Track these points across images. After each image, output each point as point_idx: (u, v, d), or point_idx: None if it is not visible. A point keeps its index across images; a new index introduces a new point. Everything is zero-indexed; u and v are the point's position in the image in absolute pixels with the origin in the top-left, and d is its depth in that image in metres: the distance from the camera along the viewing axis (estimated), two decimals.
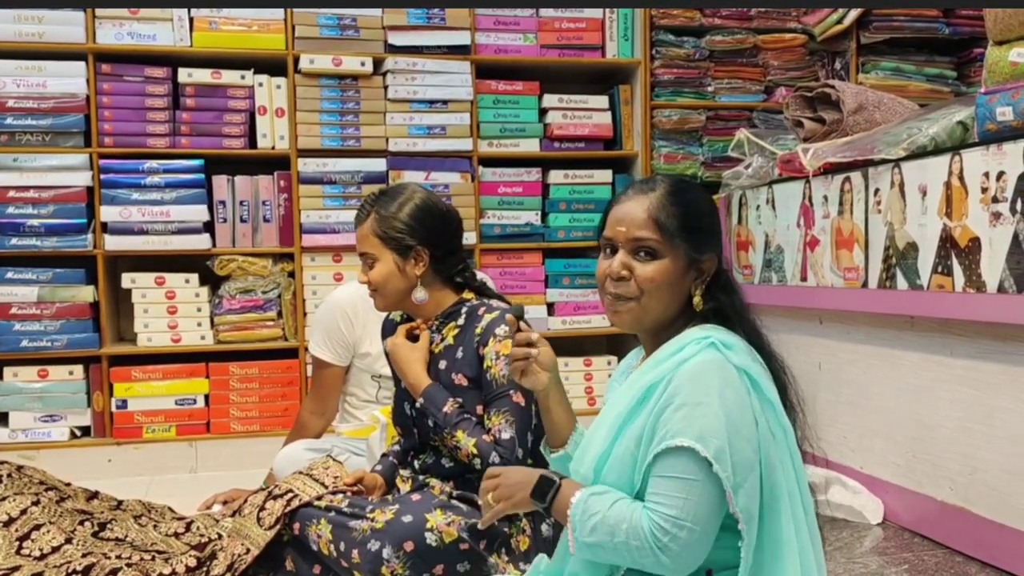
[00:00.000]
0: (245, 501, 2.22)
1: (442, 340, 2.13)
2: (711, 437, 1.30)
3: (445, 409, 2.03)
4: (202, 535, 2.44)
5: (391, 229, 2.10)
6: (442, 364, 2.10)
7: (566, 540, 1.44)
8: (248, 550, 2.05)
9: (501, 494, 1.50)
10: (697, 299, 1.48)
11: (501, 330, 2.03)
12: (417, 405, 2.07)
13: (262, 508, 2.10)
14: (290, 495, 2.10)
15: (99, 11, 3.74)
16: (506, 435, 1.98)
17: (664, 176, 1.55)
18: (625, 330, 1.53)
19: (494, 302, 2.15)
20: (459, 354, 2.08)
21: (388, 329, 2.30)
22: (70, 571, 2.10)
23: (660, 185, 1.50)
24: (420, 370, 2.10)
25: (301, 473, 2.24)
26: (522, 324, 1.59)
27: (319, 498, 2.06)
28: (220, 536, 2.28)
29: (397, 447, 2.30)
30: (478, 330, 2.06)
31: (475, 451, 1.98)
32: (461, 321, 2.12)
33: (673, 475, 1.32)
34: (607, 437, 1.44)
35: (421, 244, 2.10)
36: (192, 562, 2.14)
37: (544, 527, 2.05)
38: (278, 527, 2.03)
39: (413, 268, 2.10)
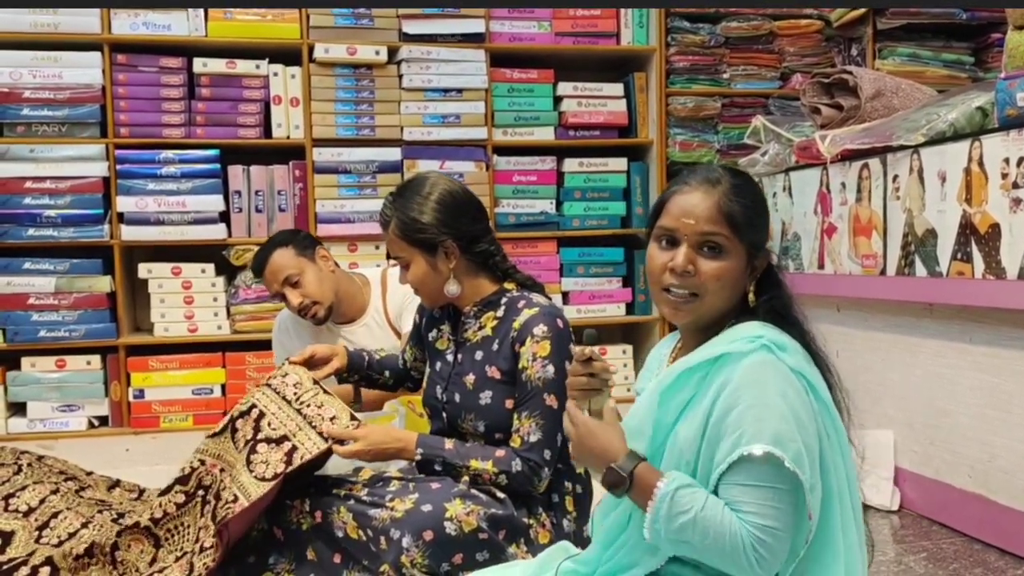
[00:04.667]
0: (232, 425, 2.13)
1: (480, 329, 2.10)
2: (788, 441, 1.29)
3: (447, 447, 2.03)
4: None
5: (415, 231, 2.04)
6: (478, 355, 2.08)
7: (611, 528, 1.44)
8: (236, 498, 1.95)
9: (586, 453, 1.43)
10: (752, 296, 1.45)
11: (539, 330, 1.99)
12: (418, 458, 2.04)
13: (253, 450, 2.01)
14: (287, 445, 2.02)
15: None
16: (534, 438, 1.97)
17: (723, 167, 1.49)
18: (679, 324, 1.49)
19: (535, 296, 2.09)
20: (495, 346, 2.05)
21: (425, 313, 2.29)
22: (72, 553, 2.05)
23: (725, 178, 1.44)
24: (399, 434, 2.09)
25: (268, 387, 2.18)
26: (594, 351, 1.50)
27: (326, 453, 2.02)
28: (203, 463, 2.14)
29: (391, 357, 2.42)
30: (516, 324, 2.02)
31: (495, 469, 1.97)
32: (500, 313, 2.08)
33: (760, 484, 1.30)
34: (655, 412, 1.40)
35: (448, 237, 2.05)
36: (180, 499, 2.07)
37: (566, 522, 2.05)
38: (274, 483, 1.95)
39: (445, 263, 2.06)
